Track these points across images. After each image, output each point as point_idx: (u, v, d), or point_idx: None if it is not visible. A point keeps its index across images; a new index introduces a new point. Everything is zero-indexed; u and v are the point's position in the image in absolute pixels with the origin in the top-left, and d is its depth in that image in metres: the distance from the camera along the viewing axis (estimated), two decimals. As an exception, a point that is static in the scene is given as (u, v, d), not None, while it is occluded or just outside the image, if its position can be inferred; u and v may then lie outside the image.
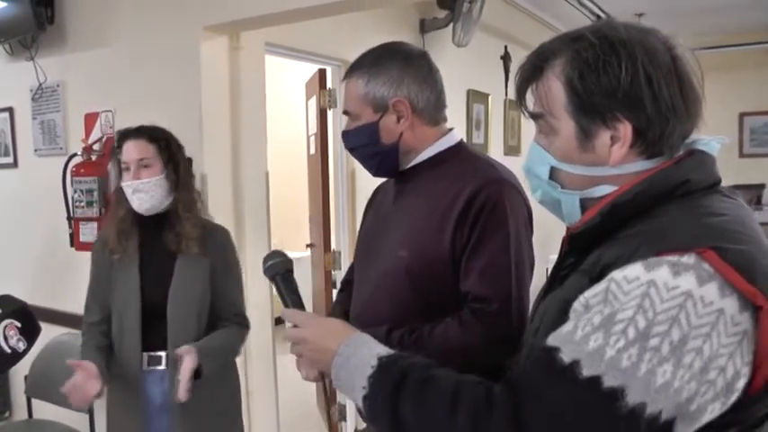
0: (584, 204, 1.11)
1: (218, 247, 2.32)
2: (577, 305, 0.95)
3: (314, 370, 1.36)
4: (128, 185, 2.23)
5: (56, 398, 3.19)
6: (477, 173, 1.58)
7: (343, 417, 4.10)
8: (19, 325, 1.32)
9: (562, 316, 0.98)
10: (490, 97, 5.73)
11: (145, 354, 2.27)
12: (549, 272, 1.19)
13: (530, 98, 1.14)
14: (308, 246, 4.70)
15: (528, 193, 1.53)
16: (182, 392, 2.07)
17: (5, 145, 4.09)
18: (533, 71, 1.11)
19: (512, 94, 5.85)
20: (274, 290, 1.44)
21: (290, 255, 4.76)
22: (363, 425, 4.01)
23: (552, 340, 0.94)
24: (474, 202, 1.51)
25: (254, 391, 3.31)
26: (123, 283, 2.29)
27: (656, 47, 1.03)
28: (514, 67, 5.22)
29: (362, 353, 1.13)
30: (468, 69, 5.03)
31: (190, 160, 2.40)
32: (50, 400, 3.25)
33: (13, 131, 4.02)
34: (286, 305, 1.37)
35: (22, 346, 1.31)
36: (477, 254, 1.51)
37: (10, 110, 4.01)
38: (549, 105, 1.09)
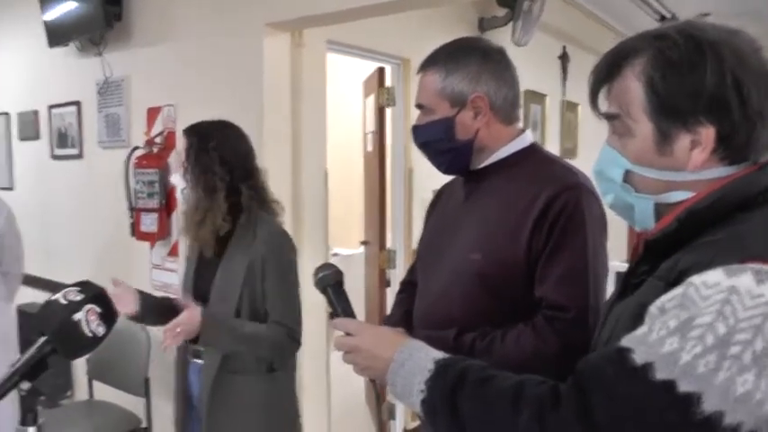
0: (658, 209, 1.08)
1: (263, 243, 2.18)
2: (653, 309, 0.93)
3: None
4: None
5: (115, 381, 3.39)
6: (555, 176, 1.55)
7: (392, 416, 4.13)
8: (99, 310, 1.36)
9: (636, 321, 0.95)
10: (547, 98, 5.68)
11: (190, 345, 2.26)
12: (621, 278, 1.17)
13: (602, 98, 1.12)
14: (362, 243, 4.71)
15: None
16: (167, 337, 2.06)
17: (72, 137, 4.25)
18: (610, 70, 1.08)
19: (569, 96, 5.82)
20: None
21: (344, 252, 4.84)
22: (412, 424, 4.05)
23: (626, 341, 0.92)
24: (552, 206, 1.48)
25: (306, 387, 3.36)
26: (187, 271, 2.38)
27: (743, 49, 1.00)
28: (572, 68, 5.19)
29: (419, 357, 1.13)
30: (526, 69, 4.95)
31: (244, 157, 2.31)
32: (109, 383, 3.45)
33: (79, 124, 4.19)
34: (337, 315, 1.39)
35: (101, 330, 1.35)
36: (554, 260, 1.48)
37: (77, 104, 4.17)
38: (627, 106, 1.06)
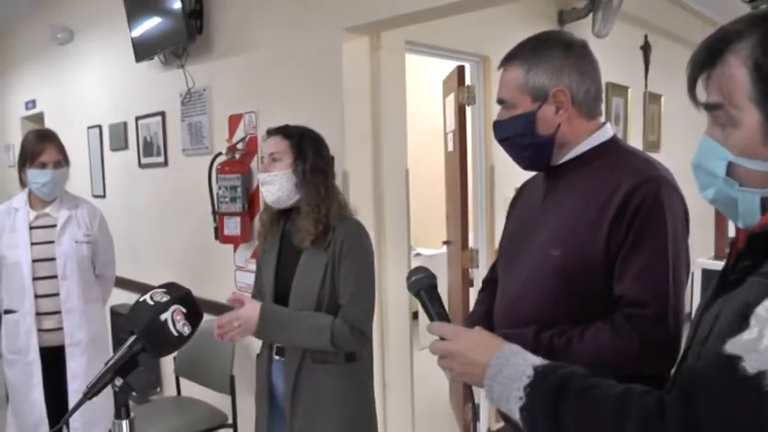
0: (764, 204, 1.02)
1: (339, 241, 2.27)
2: (761, 311, 0.88)
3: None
4: (258, 177, 2.33)
5: (201, 378, 3.50)
6: (634, 169, 1.50)
7: (476, 416, 4.08)
8: (185, 310, 1.40)
9: (741, 322, 0.90)
10: (630, 90, 5.53)
11: (275, 344, 2.37)
12: (718, 275, 1.11)
13: (701, 88, 1.06)
14: (444, 243, 4.70)
15: (686, 192, 1.46)
16: (218, 332, 2.20)
17: (157, 146, 4.40)
18: (711, 56, 1.03)
19: (652, 87, 5.64)
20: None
21: (426, 252, 4.86)
22: (496, 425, 4.00)
23: (732, 347, 0.88)
24: (631, 200, 1.45)
25: (391, 385, 3.37)
26: (265, 272, 2.43)
27: None
28: (655, 57, 5.02)
29: (517, 362, 1.12)
30: (607, 61, 4.83)
31: (331, 158, 2.45)
32: (196, 380, 3.56)
33: (164, 133, 4.34)
34: (431, 319, 1.38)
35: (187, 330, 1.39)
36: (633, 255, 1.45)
37: (162, 114, 4.33)
38: (730, 94, 1.00)
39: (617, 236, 1.46)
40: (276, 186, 2.30)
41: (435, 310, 1.39)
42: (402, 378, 3.48)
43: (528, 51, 1.60)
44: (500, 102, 1.66)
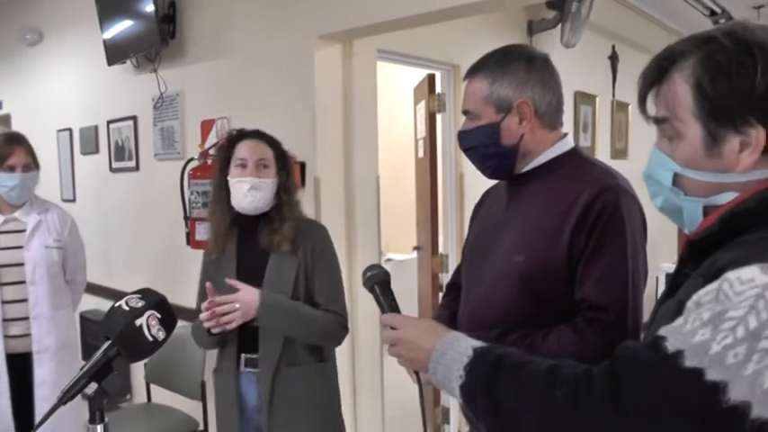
0: (707, 211, 1.09)
1: (310, 243, 2.30)
2: (690, 303, 0.95)
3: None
4: (245, 181, 2.24)
5: (171, 385, 3.47)
6: (594, 179, 1.56)
7: (446, 419, 4.13)
8: (159, 316, 1.42)
9: (676, 315, 0.97)
10: (597, 99, 5.62)
11: (243, 355, 2.30)
12: (668, 279, 1.17)
13: (650, 102, 1.13)
14: (414, 248, 4.74)
15: (643, 201, 1.51)
16: (207, 316, 2.15)
17: (129, 150, 4.38)
18: (658, 73, 1.09)
19: (619, 96, 5.75)
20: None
21: (396, 257, 4.88)
22: (466, 428, 4.04)
23: (662, 331, 0.95)
24: (592, 208, 1.50)
25: (362, 389, 3.40)
26: (223, 284, 2.27)
27: None
28: (622, 67, 5.12)
29: (458, 345, 1.17)
30: (576, 70, 4.95)
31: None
32: (166, 386, 3.53)
33: (136, 138, 4.32)
34: (383, 311, 1.44)
35: (161, 335, 1.41)
36: (594, 261, 1.50)
37: (134, 118, 4.31)
38: (675, 109, 1.06)
39: (578, 242, 1.51)
40: (262, 193, 2.27)
41: (387, 303, 1.44)
42: (372, 382, 3.51)
43: (493, 64, 1.65)
44: (465, 112, 1.70)
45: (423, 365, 1.23)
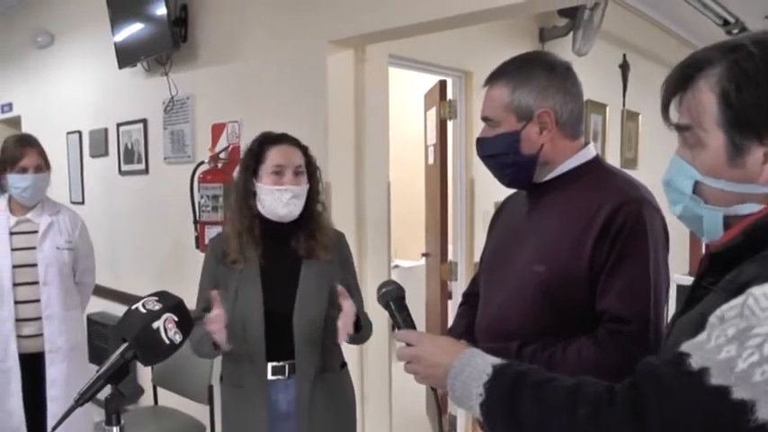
0: (727, 221, 1.08)
1: (340, 251, 2.35)
2: (713, 318, 0.94)
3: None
4: (286, 190, 2.21)
5: (179, 388, 3.46)
6: (617, 190, 1.55)
7: (453, 427, 4.12)
8: (176, 319, 1.43)
9: (698, 331, 0.96)
10: (608, 108, 5.61)
11: (269, 363, 2.24)
12: (686, 291, 1.17)
13: (673, 109, 1.12)
14: (423, 255, 4.74)
15: (664, 209, 1.52)
16: (342, 333, 2.09)
17: (139, 153, 4.40)
18: (683, 81, 1.08)
19: (630, 105, 5.72)
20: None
21: (405, 264, 4.87)
22: (474, 437, 4.05)
23: (685, 347, 0.94)
24: (614, 219, 1.49)
25: (369, 395, 3.40)
26: (246, 293, 2.24)
27: None
28: (633, 76, 5.08)
29: (477, 363, 1.16)
30: (587, 79, 4.90)
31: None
32: (174, 389, 3.53)
33: (146, 141, 4.35)
34: (399, 328, 1.44)
35: (178, 338, 1.42)
36: (616, 273, 1.49)
37: (144, 121, 4.34)
38: (699, 117, 1.05)
39: (600, 254, 1.50)
40: (301, 200, 2.26)
41: (403, 319, 1.45)
42: (380, 389, 3.51)
43: (514, 71, 1.64)
44: (485, 119, 1.69)
45: (440, 382, 1.23)
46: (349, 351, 2.47)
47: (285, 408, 2.27)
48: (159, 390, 3.65)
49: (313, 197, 2.33)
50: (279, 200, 2.22)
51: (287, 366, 2.25)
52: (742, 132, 1.02)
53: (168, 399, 3.62)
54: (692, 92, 1.07)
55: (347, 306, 2.11)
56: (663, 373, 0.93)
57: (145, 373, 3.97)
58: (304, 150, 2.34)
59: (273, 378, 2.25)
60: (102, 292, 4.27)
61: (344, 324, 2.09)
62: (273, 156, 2.25)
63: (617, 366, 1.40)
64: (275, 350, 2.23)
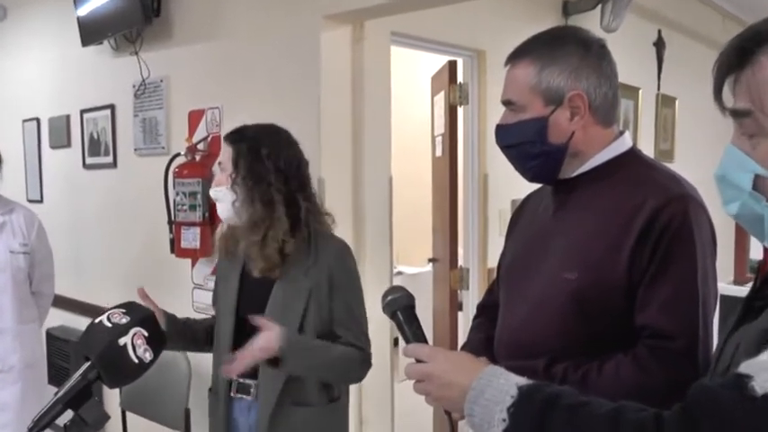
0: None
1: (326, 262, 2.22)
2: None
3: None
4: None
5: (151, 413, 3.44)
6: (659, 186, 1.53)
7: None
8: (146, 334, 1.42)
9: (760, 348, 0.94)
10: (640, 92, 5.60)
11: (234, 379, 2.26)
12: (742, 302, 1.15)
13: (728, 92, 1.09)
14: (430, 260, 4.72)
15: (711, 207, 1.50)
16: (231, 367, 2.01)
17: (106, 144, 4.38)
18: (741, 57, 1.05)
19: (665, 89, 5.69)
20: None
21: (408, 270, 4.86)
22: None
23: (745, 367, 0.92)
24: (657, 220, 1.47)
25: (369, 421, 3.38)
26: (223, 294, 2.36)
27: None
28: (669, 55, 5.08)
29: (499, 383, 1.13)
30: (616, 59, 4.91)
31: (295, 160, 2.33)
32: (145, 415, 3.50)
33: (113, 130, 4.32)
34: (408, 341, 1.41)
35: (148, 356, 1.41)
36: (659, 282, 1.47)
37: (112, 107, 4.31)
38: (760, 100, 1.02)
39: (641, 260, 1.48)
40: (222, 204, 2.26)
41: (412, 330, 1.41)
42: (381, 413, 3.50)
43: (542, 47, 1.61)
44: (506, 103, 1.66)
45: (456, 405, 1.20)
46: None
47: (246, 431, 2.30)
48: (128, 415, 3.61)
49: (251, 198, 2.22)
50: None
51: (252, 386, 2.26)
52: None
53: (139, 425, 3.59)
54: (752, 70, 1.04)
55: (262, 339, 2.02)
56: (720, 399, 0.92)
57: (112, 397, 3.94)
58: (235, 143, 2.27)
59: (237, 396, 2.30)
60: (63, 302, 4.25)
61: (243, 357, 2.01)
62: None
63: (660, 389, 1.42)
64: None
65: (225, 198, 2.24)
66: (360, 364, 2.24)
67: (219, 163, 2.29)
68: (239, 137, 2.28)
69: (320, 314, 2.21)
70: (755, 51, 1.04)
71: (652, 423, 0.96)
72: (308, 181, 2.35)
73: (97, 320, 1.43)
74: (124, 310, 1.45)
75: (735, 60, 1.07)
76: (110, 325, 1.41)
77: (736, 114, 1.08)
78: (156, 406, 3.44)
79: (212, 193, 2.29)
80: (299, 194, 2.26)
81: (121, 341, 1.39)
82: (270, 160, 2.23)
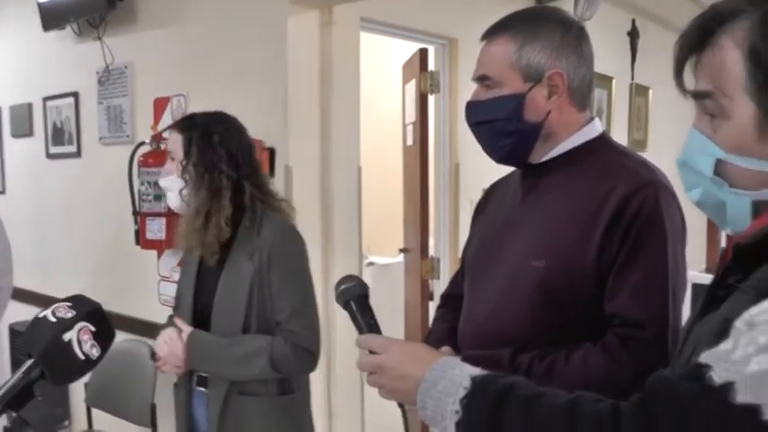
0: (756, 207, 1.03)
1: (266, 245, 2.20)
2: (739, 323, 0.90)
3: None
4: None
5: (116, 409, 3.41)
6: (629, 172, 1.53)
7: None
8: (93, 329, 1.35)
9: (721, 338, 0.92)
10: (614, 81, 5.63)
11: (195, 372, 2.31)
12: (705, 290, 1.13)
13: (689, 73, 1.08)
14: (401, 251, 4.74)
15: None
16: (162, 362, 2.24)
17: (69, 132, 4.32)
18: (702, 37, 1.04)
19: (639, 78, 5.73)
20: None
21: (380, 260, 4.85)
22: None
23: (704, 357, 0.90)
24: (628, 207, 1.46)
25: (339, 415, 3.38)
26: (183, 286, 2.39)
27: None
28: (643, 45, 5.12)
29: (452, 375, 1.11)
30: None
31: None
32: (110, 411, 3.46)
33: (77, 118, 4.25)
34: (361, 332, 1.38)
35: (95, 352, 1.34)
36: (629, 269, 1.46)
37: (75, 95, 4.24)
38: (721, 81, 1.01)
39: (610, 247, 1.47)
40: (171, 193, 2.28)
41: (366, 320, 1.39)
42: (351, 406, 3.50)
43: (522, 24, 1.60)
44: (481, 78, 1.64)
45: (410, 398, 1.17)
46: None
47: (206, 426, 2.30)
48: (94, 411, 3.57)
49: (195, 185, 2.23)
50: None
51: (208, 379, 2.28)
52: None
53: (104, 421, 3.55)
54: (713, 50, 1.02)
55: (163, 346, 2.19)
56: (678, 390, 0.90)
57: (77, 392, 3.88)
58: (184, 131, 2.27)
59: (197, 389, 2.32)
60: (28, 297, 4.19)
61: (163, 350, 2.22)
62: None
63: (629, 379, 1.41)
64: None
65: (173, 186, 2.26)
66: (290, 355, 2.16)
67: (169, 152, 2.29)
68: (190, 124, 2.29)
69: (264, 299, 2.20)
70: (716, 31, 1.03)
71: (609, 414, 0.95)
72: (258, 166, 2.37)
73: (41, 315, 1.36)
74: (70, 304, 1.38)
75: (696, 40, 1.05)
76: (54, 320, 1.34)
77: (697, 96, 1.06)
78: (121, 401, 3.40)
79: (162, 182, 2.31)
80: (249, 180, 2.27)
81: (66, 337, 1.32)
82: (222, 147, 2.23)
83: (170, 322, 2.36)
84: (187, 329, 2.22)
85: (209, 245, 2.19)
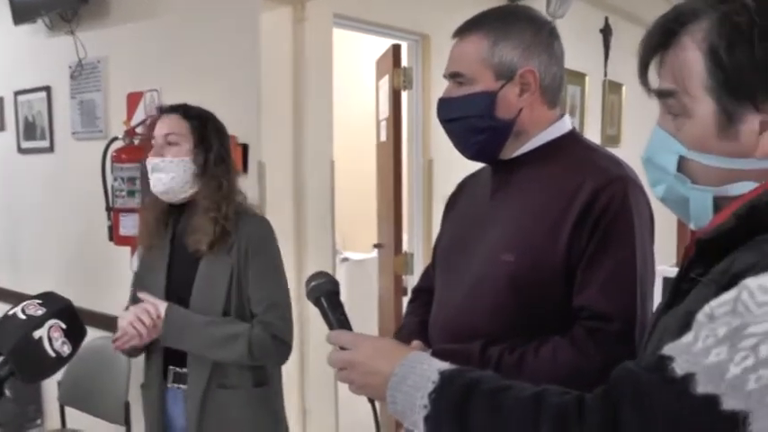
0: (717, 203, 1.06)
1: (244, 239, 2.23)
2: (701, 315, 0.92)
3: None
4: (148, 162, 2.25)
5: (90, 407, 3.37)
6: (598, 168, 1.55)
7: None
8: (64, 326, 1.35)
9: (683, 331, 0.94)
10: (587, 78, 5.66)
11: (171, 368, 2.29)
12: (670, 284, 1.15)
13: (653, 72, 1.10)
14: (375, 246, 4.74)
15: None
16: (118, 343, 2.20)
17: (41, 127, 4.27)
18: (664, 37, 1.06)
19: (612, 75, 5.78)
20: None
21: (354, 256, 4.87)
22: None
23: (668, 349, 0.92)
24: (596, 201, 1.48)
25: (312, 411, 3.38)
26: (150, 282, 2.33)
27: None
28: (616, 42, 5.18)
29: (421, 369, 1.12)
30: (563, 45, 4.96)
31: (245, 147, 2.40)
32: (84, 409, 3.42)
33: (50, 112, 4.20)
34: (331, 328, 1.39)
35: (66, 350, 1.35)
36: (597, 263, 1.48)
37: (47, 89, 4.18)
38: (683, 81, 1.03)
39: (579, 241, 1.49)
40: (170, 175, 2.22)
41: (336, 317, 1.39)
42: (324, 403, 3.50)
43: (494, 22, 1.62)
44: (453, 75, 1.65)
45: (380, 393, 1.18)
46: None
47: (182, 424, 2.29)
48: (67, 409, 3.53)
49: (205, 174, 2.25)
50: (149, 175, 2.26)
51: (187, 374, 2.26)
52: (734, 98, 0.99)
53: (78, 420, 3.51)
54: (675, 51, 1.05)
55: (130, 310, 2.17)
56: (641, 380, 0.91)
57: (50, 390, 3.85)
58: (191, 117, 2.29)
59: (173, 386, 2.30)
60: (-1, 293, 4.13)
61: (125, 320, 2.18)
62: (156, 128, 2.29)
63: (597, 371, 1.40)
64: (177, 354, 2.26)
65: (179, 170, 2.22)
66: (267, 344, 2.19)
67: (168, 135, 2.24)
68: (199, 115, 2.31)
69: (239, 292, 2.22)
70: (678, 32, 1.04)
71: (574, 406, 0.95)
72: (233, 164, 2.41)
73: (11, 312, 1.36)
74: (40, 301, 1.38)
75: (659, 40, 1.07)
76: (24, 317, 1.34)
77: (661, 95, 1.08)
78: (95, 400, 3.37)
79: (161, 162, 2.22)
80: (230, 175, 2.31)
81: (36, 334, 1.33)
82: (226, 146, 2.33)
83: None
84: (162, 303, 2.19)
85: (215, 232, 2.19)
